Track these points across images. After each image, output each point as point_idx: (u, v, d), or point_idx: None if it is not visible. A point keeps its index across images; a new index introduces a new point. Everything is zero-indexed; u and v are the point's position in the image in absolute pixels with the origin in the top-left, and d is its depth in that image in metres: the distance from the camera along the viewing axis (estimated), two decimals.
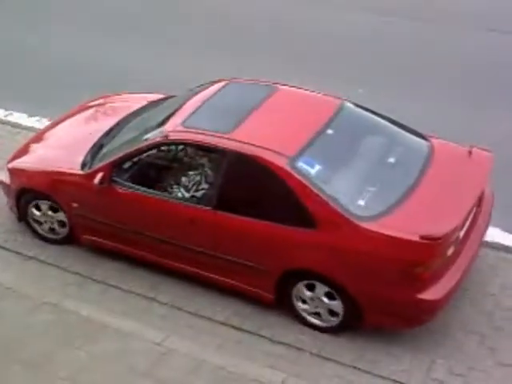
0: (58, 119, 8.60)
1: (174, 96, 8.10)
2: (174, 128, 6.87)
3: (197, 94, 7.39)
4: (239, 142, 6.50)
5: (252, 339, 6.63)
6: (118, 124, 7.94)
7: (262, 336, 6.63)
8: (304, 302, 6.59)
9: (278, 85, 7.29)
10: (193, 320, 6.83)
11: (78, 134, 8.09)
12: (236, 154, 6.47)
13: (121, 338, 6.62)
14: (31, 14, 13.36)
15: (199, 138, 6.70)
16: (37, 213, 7.74)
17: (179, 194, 7.03)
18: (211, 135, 6.64)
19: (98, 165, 7.18)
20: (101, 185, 7.00)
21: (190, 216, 6.70)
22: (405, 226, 6.04)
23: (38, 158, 7.85)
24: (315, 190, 6.17)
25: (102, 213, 7.31)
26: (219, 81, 7.51)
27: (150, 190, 6.98)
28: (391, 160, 6.59)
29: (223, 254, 6.74)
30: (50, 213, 7.67)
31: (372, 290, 6.16)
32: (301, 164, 6.29)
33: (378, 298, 6.18)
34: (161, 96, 8.45)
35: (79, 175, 7.28)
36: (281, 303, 6.71)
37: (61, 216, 7.63)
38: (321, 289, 6.41)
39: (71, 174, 7.35)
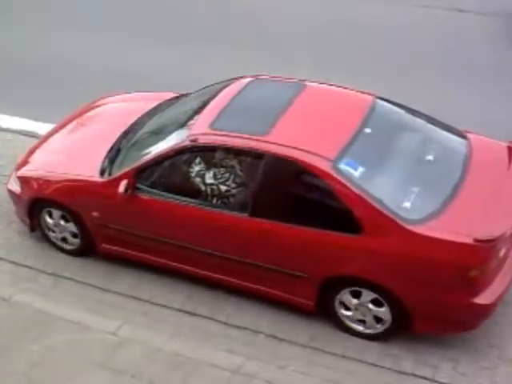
0: (62, 122, 8.06)
1: (187, 94, 7.77)
2: (202, 131, 6.49)
3: (219, 92, 6.99)
4: (277, 144, 6.16)
5: (207, 324, 6.64)
6: (133, 126, 7.48)
7: (217, 320, 6.66)
8: (347, 308, 6.34)
9: (305, 81, 6.97)
10: (147, 308, 6.82)
11: (89, 137, 7.63)
12: (274, 158, 6.15)
13: (75, 330, 6.58)
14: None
15: (232, 141, 6.34)
16: (51, 222, 7.37)
17: (210, 201, 6.59)
18: (245, 138, 6.28)
19: (118, 171, 6.77)
20: (125, 193, 6.61)
21: (224, 223, 6.39)
22: (455, 228, 5.80)
23: (49, 166, 7.32)
24: (360, 193, 5.87)
25: (125, 222, 6.91)
26: (240, 78, 7.16)
27: (178, 197, 6.57)
28: (431, 158, 6.33)
29: (260, 262, 6.43)
30: (62, 222, 7.29)
31: (423, 296, 5.94)
32: (343, 166, 5.99)
33: (429, 303, 5.96)
34: (172, 95, 8.03)
35: (99, 183, 6.86)
36: (322, 311, 6.49)
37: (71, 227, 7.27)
38: (367, 296, 6.16)
39: (90, 182, 6.91)
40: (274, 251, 6.33)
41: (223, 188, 6.59)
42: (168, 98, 7.95)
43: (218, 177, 6.63)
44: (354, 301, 6.24)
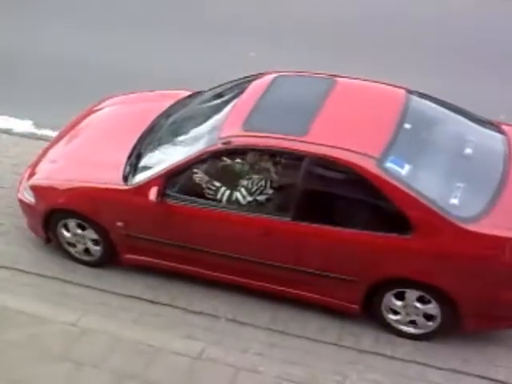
0: (70, 125, 7.62)
1: (201, 92, 7.45)
2: (235, 132, 6.15)
3: (243, 90, 6.68)
4: (318, 144, 5.91)
5: (167, 311, 6.64)
6: (151, 128, 7.08)
7: (177, 307, 6.65)
8: (395, 312, 6.22)
9: (334, 77, 6.67)
10: (107, 298, 6.78)
11: (103, 141, 7.15)
12: (316, 158, 5.90)
13: (34, 323, 6.52)
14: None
15: (269, 142, 6.06)
16: (68, 234, 6.99)
17: (247, 205, 6.26)
18: (283, 138, 6.01)
19: (144, 177, 6.41)
20: (156, 200, 6.23)
21: (265, 229, 6.11)
22: (508, 224, 5.70)
23: (65, 174, 6.88)
24: (409, 192, 5.68)
25: (154, 230, 6.56)
26: (262, 74, 6.88)
27: (212, 202, 6.29)
28: (471, 152, 6.15)
29: (303, 267, 6.21)
30: (79, 231, 6.91)
31: (476, 294, 5.83)
32: (389, 164, 5.78)
33: (482, 301, 5.86)
34: (183, 93, 7.65)
35: (124, 190, 6.46)
36: (368, 314, 6.35)
37: (91, 234, 6.87)
38: (412, 295, 6.04)
39: (114, 190, 6.51)
40: (319, 255, 6.12)
41: (261, 191, 6.31)
42: (179, 97, 7.59)
43: (255, 180, 6.33)
44: (401, 303, 6.14)
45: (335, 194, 6.05)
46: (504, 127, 6.62)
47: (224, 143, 6.14)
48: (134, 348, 6.26)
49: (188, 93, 7.68)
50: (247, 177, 6.38)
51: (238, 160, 6.50)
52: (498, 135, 6.49)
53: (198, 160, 6.27)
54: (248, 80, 6.93)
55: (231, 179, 6.43)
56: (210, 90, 7.37)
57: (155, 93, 7.91)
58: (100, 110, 7.80)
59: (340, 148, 5.88)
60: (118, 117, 7.60)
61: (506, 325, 6.18)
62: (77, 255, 7.13)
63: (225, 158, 6.50)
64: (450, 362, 6.11)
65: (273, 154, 6.28)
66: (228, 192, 6.32)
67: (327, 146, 5.92)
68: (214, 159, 6.39)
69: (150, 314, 6.62)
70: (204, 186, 6.37)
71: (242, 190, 6.30)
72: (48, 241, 7.19)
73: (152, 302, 6.72)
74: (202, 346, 6.27)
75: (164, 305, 6.70)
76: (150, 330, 6.45)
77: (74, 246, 7.06)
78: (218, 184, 6.36)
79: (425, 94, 6.68)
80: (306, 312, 6.51)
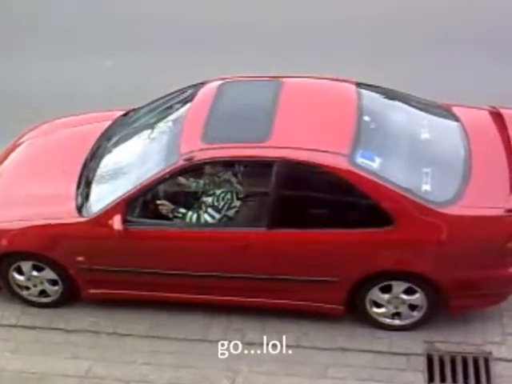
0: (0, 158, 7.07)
1: (136, 109, 7.12)
2: (195, 147, 5.87)
3: (188, 101, 6.47)
4: (284, 148, 5.77)
5: (47, 334, 6.47)
6: (93, 153, 6.67)
7: (56, 329, 6.50)
8: (380, 305, 6.16)
9: (278, 77, 6.53)
10: None
11: (39, 174, 6.67)
12: (285, 163, 5.74)
13: None
14: None
15: (235, 152, 5.86)
16: (21, 277, 6.52)
17: (218, 220, 6.11)
18: (249, 147, 5.84)
19: (102, 206, 6.03)
20: (122, 228, 5.89)
21: (241, 242, 5.88)
22: (484, 203, 5.74)
23: (5, 214, 6.41)
24: (385, 185, 5.64)
25: (120, 261, 6.19)
26: (202, 84, 6.66)
27: (180, 223, 6.10)
28: (429, 136, 6.14)
29: (283, 275, 6.04)
30: (35, 273, 6.45)
31: (461, 276, 5.84)
32: (360, 159, 5.70)
33: (467, 281, 5.89)
34: (115, 113, 7.24)
35: (81, 223, 6.10)
36: (352, 312, 6.25)
37: (50, 275, 6.44)
38: (399, 287, 6.00)
39: (69, 224, 6.14)
40: (299, 261, 5.97)
41: (229, 206, 6.15)
42: (112, 117, 7.20)
43: (223, 193, 6.15)
44: (386, 296, 6.10)
45: (310, 197, 5.92)
46: (453, 108, 6.67)
47: (186, 159, 5.87)
48: (17, 378, 6.08)
49: (121, 112, 7.30)
50: (211, 193, 6.23)
51: (199, 177, 6.35)
52: (450, 116, 6.55)
53: (161, 180, 5.99)
54: (187, 91, 6.75)
55: (195, 199, 6.33)
56: (146, 105, 7.07)
57: (83, 116, 7.44)
58: (26, 142, 7.28)
59: (308, 149, 5.78)
60: (50, 146, 7.12)
61: (488, 302, 6.26)
62: (32, 298, 6.68)
63: (185, 178, 6.33)
64: (336, 342, 6.23)
65: (240, 164, 6.17)
66: (195, 215, 6.15)
67: (295, 148, 5.80)
68: (175, 180, 6.18)
69: (29, 341, 6.43)
70: (171, 215, 6.17)
71: (209, 209, 6.13)
72: None
73: (30, 327, 6.53)
74: (88, 363, 6.16)
75: (42, 328, 6.52)
76: (31, 357, 6.27)
77: (27, 288, 6.61)
78: (183, 210, 6.17)
79: (370, 85, 6.65)
80: (186, 314, 6.49)
